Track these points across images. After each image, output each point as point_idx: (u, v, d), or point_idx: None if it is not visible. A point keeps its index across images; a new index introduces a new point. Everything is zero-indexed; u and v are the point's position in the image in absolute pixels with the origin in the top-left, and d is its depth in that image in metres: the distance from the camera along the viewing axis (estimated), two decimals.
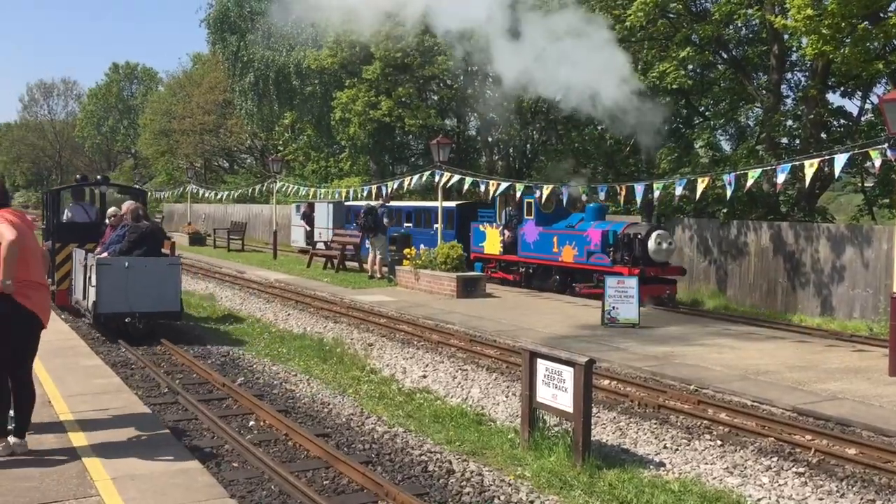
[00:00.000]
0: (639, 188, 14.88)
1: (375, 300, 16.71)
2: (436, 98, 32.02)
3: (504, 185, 18.62)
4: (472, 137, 34.75)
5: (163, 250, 13.38)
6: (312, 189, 29.16)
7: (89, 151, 79.49)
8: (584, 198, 18.58)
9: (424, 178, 21.07)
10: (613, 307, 13.59)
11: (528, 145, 31.93)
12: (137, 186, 33.25)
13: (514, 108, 26.07)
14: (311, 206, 30.40)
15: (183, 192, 43.80)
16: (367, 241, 21.18)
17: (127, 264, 12.16)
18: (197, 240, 35.38)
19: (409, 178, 21.42)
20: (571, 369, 7.19)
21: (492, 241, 20.34)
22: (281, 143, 45.19)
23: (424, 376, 10.92)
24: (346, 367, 11.34)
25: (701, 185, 14.19)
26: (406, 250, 19.81)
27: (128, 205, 12.87)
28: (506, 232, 19.82)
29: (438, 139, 19.56)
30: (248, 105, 38.98)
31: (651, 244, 16.20)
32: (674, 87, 19.47)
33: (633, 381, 9.89)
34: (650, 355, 11.06)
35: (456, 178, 19.64)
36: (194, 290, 20.31)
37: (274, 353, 12.06)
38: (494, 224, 20.38)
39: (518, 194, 18.80)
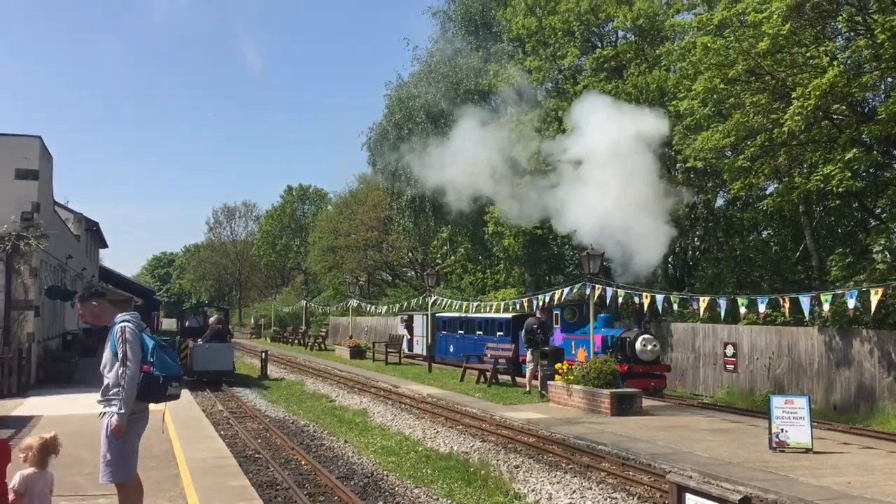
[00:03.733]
0: (804, 300, 13.79)
1: (525, 417, 16.24)
2: None
3: (659, 297, 18.02)
4: None
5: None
6: (465, 302, 29.35)
7: (265, 268, 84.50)
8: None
9: (575, 290, 20.72)
10: (782, 429, 12.42)
11: (689, 252, 30.88)
12: (223, 306, 53.69)
13: (671, 216, 25.40)
14: (410, 318, 34.24)
15: (346, 306, 45.41)
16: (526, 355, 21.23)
17: (207, 346, 24.80)
18: (357, 353, 36.23)
19: (559, 290, 21.11)
20: None
21: None
22: (439, 256, 46.21)
23: None
24: (490, 492, 10.93)
25: (875, 296, 12.92)
26: (558, 364, 19.32)
27: (213, 319, 27.58)
28: None
29: (588, 251, 19.20)
30: (405, 221, 40.34)
31: (638, 346, 19.35)
32: (839, 189, 18.23)
33: None
34: (824, 486, 9.93)
35: (610, 289, 19.18)
36: (349, 405, 20.63)
37: (418, 475, 11.86)
38: None
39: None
